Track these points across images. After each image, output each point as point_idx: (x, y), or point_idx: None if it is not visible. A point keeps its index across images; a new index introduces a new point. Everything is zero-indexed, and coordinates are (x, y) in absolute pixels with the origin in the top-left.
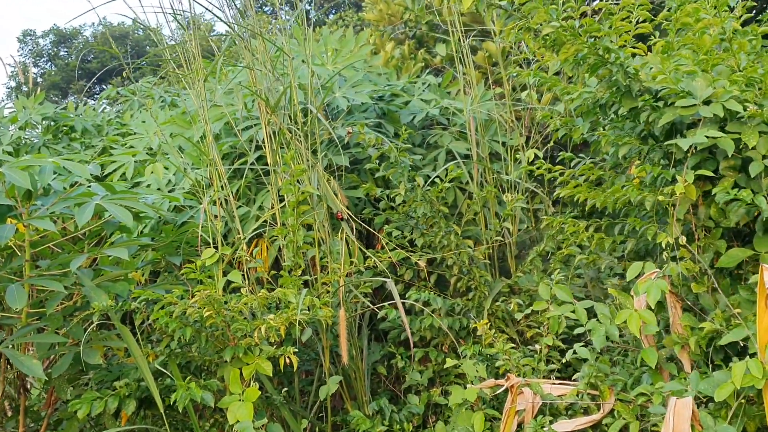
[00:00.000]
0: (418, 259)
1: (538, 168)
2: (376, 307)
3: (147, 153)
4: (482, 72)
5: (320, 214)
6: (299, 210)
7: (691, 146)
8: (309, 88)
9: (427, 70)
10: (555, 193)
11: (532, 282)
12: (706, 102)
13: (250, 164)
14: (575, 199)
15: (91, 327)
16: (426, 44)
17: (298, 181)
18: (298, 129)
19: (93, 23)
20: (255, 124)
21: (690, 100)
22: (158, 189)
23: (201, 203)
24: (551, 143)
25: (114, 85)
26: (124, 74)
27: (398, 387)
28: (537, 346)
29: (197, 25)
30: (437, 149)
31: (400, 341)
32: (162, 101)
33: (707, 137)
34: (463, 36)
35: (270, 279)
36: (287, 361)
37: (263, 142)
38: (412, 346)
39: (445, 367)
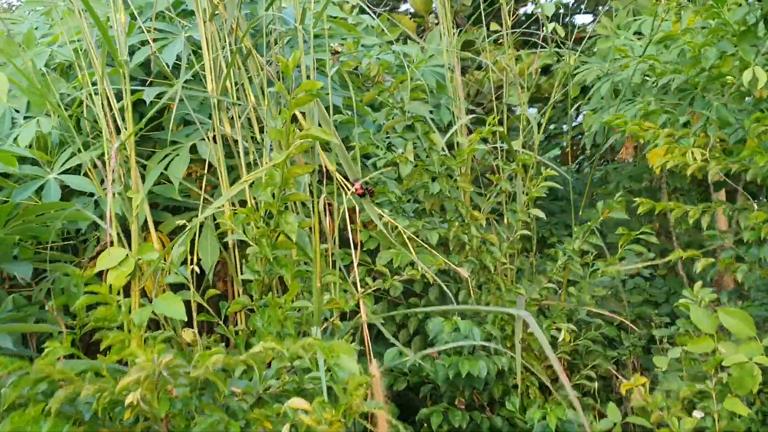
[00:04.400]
0: (457, 265)
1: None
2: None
3: None
4: (416, 22)
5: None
6: (291, 175)
7: None
8: None
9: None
10: (659, 163)
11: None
12: None
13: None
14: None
15: None
16: None
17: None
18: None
19: None
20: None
21: None
22: None
23: (49, 170)
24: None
25: None
26: None
27: None
28: (697, 414)
29: None
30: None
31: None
32: None
33: None
34: None
35: (204, 304)
36: None
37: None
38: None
39: None
